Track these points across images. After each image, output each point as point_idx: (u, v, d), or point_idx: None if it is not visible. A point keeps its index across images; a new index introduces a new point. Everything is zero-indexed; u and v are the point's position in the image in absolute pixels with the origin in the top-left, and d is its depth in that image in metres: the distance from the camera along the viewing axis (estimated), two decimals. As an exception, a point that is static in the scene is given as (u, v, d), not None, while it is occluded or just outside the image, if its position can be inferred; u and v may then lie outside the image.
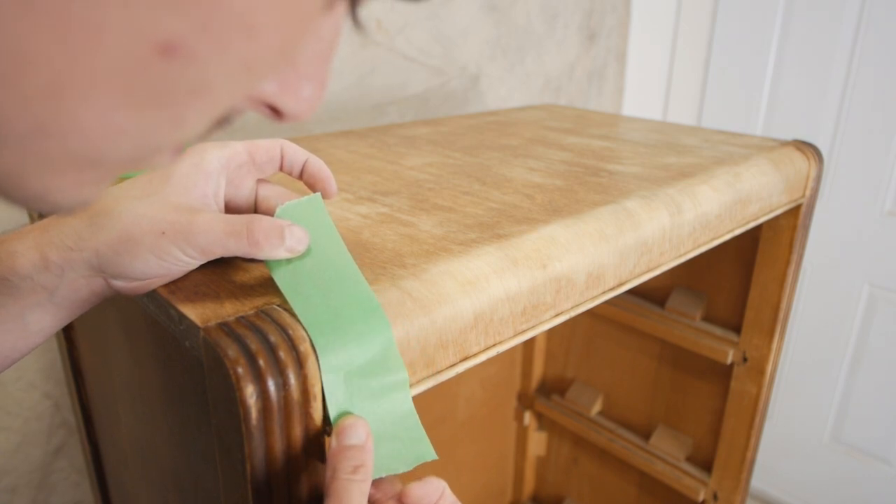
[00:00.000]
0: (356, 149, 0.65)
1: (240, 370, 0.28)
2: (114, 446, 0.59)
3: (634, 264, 0.48)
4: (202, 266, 0.35)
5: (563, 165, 0.60)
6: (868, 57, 1.24)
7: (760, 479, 1.61)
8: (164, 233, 0.32)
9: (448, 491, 0.32)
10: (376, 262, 0.38)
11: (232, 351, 0.28)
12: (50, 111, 0.15)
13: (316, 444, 0.31)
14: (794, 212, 0.68)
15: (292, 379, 0.29)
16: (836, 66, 1.28)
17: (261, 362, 0.28)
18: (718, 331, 0.79)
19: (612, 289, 0.47)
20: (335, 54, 0.21)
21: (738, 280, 0.77)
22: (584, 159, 0.63)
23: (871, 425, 1.41)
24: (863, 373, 1.39)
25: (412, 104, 0.97)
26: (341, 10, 0.19)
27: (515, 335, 0.40)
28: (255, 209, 0.39)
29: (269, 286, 0.35)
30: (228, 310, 0.32)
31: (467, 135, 0.73)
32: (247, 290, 0.34)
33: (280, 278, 0.33)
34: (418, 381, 0.35)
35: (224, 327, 0.30)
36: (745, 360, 0.77)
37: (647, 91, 1.43)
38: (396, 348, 0.32)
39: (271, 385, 0.28)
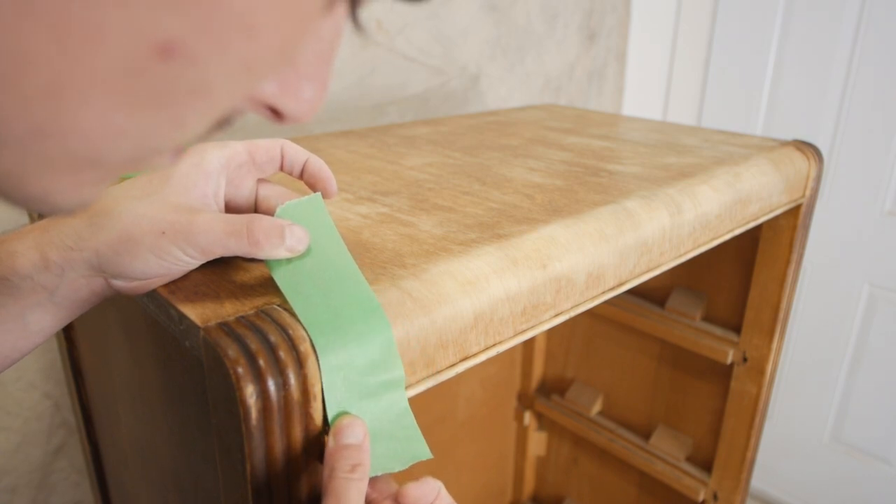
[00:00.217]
0: (356, 149, 0.65)
1: (240, 370, 0.28)
2: (114, 446, 0.59)
3: (634, 264, 0.48)
4: (202, 266, 0.35)
5: (563, 165, 0.60)
6: (868, 57, 1.24)
7: (760, 479, 1.61)
8: (164, 232, 0.32)
9: (444, 491, 0.32)
10: (376, 262, 0.38)
11: (232, 351, 0.28)
12: (50, 112, 0.15)
13: (316, 444, 0.31)
14: (794, 212, 0.68)
15: (292, 379, 0.29)
16: (836, 66, 1.28)
17: (261, 362, 0.28)
18: (718, 331, 0.79)
19: (612, 289, 0.47)
20: (336, 55, 0.21)
21: (738, 280, 0.77)
22: (584, 159, 0.63)
23: (871, 425, 1.41)
24: (863, 373, 1.39)
25: (412, 104, 0.97)
26: (342, 10, 0.19)
27: (515, 335, 0.40)
28: (255, 209, 0.39)
29: (269, 286, 0.35)
30: (228, 310, 0.32)
31: (467, 135, 0.73)
32: (247, 290, 0.35)
33: (280, 278, 0.33)
34: (418, 381, 0.35)
35: (224, 327, 0.30)
36: (745, 360, 0.77)
37: (647, 91, 1.43)
38: (396, 348, 0.32)
39: (271, 385, 0.28)
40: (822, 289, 1.42)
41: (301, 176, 0.39)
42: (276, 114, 0.20)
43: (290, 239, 0.33)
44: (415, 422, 0.33)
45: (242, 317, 0.31)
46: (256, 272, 0.36)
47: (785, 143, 0.70)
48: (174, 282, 0.35)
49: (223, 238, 0.32)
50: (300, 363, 0.29)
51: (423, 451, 0.33)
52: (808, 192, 0.68)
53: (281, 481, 0.31)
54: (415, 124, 0.78)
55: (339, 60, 0.86)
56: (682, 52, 1.43)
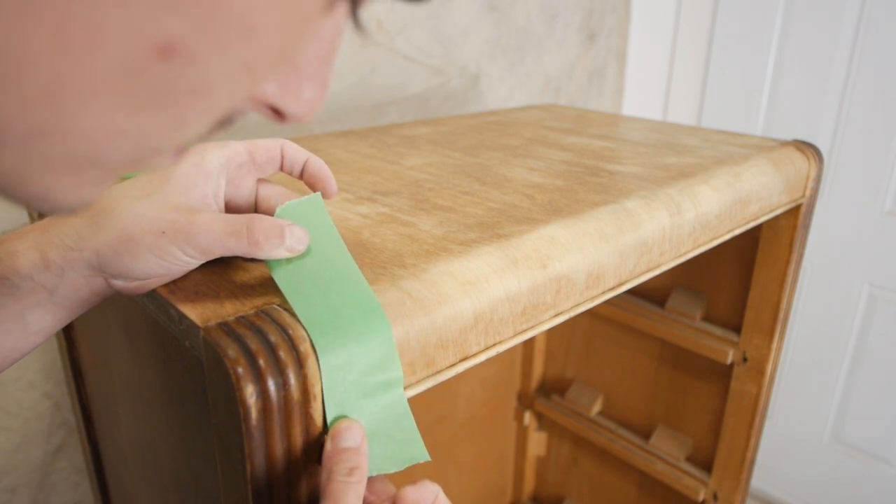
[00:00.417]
0: (356, 149, 0.65)
1: (240, 370, 0.28)
2: (114, 446, 0.59)
3: (634, 264, 0.48)
4: (202, 266, 0.35)
5: (563, 165, 0.60)
6: (868, 57, 1.24)
7: (760, 479, 1.61)
8: (164, 232, 0.32)
9: (442, 495, 0.32)
10: (376, 262, 0.38)
11: (232, 351, 0.28)
12: (50, 112, 0.15)
13: (316, 444, 0.31)
14: (794, 212, 0.68)
15: (292, 379, 0.29)
16: (836, 66, 1.28)
17: (261, 362, 0.28)
18: (718, 331, 0.79)
19: (612, 289, 0.47)
20: (337, 55, 0.21)
21: (738, 280, 0.77)
22: (584, 159, 0.63)
23: (871, 425, 1.41)
24: (863, 373, 1.39)
25: (412, 104, 0.97)
26: (342, 11, 0.19)
27: (515, 335, 0.40)
28: (255, 209, 0.39)
29: (269, 286, 0.35)
30: (228, 310, 0.32)
31: (467, 135, 0.73)
32: (247, 290, 0.35)
33: (280, 278, 0.33)
34: (418, 381, 0.35)
35: (224, 327, 0.30)
36: (745, 360, 0.77)
37: (647, 91, 1.43)
38: (396, 348, 0.32)
39: (271, 385, 0.28)
40: (822, 289, 1.42)
41: (301, 176, 0.39)
42: (276, 114, 0.20)
43: (289, 239, 0.33)
44: (414, 423, 0.33)
45: (242, 317, 0.31)
46: (256, 272, 0.36)
47: (785, 143, 0.70)
48: (174, 282, 0.35)
49: (223, 238, 0.32)
50: (300, 363, 0.29)
51: (421, 454, 0.33)
52: (808, 192, 0.68)
53: (281, 481, 0.31)
54: (415, 124, 0.78)
55: (339, 60, 0.86)
56: (682, 52, 1.43)
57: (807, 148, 0.69)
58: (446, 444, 1.00)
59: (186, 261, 0.33)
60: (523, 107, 0.96)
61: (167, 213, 0.32)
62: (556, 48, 1.18)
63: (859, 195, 1.32)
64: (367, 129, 0.76)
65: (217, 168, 0.36)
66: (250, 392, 0.28)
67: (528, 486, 1.14)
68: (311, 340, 0.30)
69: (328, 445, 0.30)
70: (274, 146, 0.38)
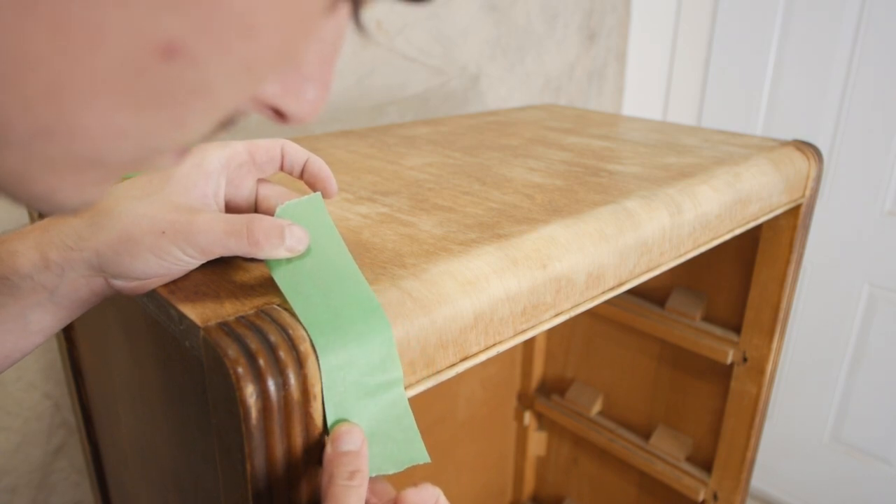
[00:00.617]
0: (356, 149, 0.65)
1: (240, 370, 0.28)
2: (114, 446, 0.59)
3: (634, 264, 0.48)
4: (202, 266, 0.35)
5: (563, 165, 0.60)
6: (868, 57, 1.24)
7: (760, 479, 1.61)
8: (164, 232, 0.32)
9: (443, 498, 0.32)
10: (376, 262, 0.38)
11: (232, 351, 0.28)
12: (51, 113, 0.15)
13: (316, 444, 0.31)
14: (794, 212, 0.68)
15: (292, 379, 0.29)
16: (836, 66, 1.28)
17: (261, 362, 0.28)
18: (718, 331, 0.80)
19: (612, 289, 0.47)
20: (339, 56, 0.21)
21: (738, 280, 0.77)
22: (584, 159, 0.63)
23: (871, 425, 1.41)
24: (863, 373, 1.39)
25: (412, 104, 0.97)
26: (344, 12, 0.19)
27: (515, 335, 0.40)
28: (255, 209, 0.39)
29: (269, 286, 0.35)
30: (228, 309, 0.32)
31: (467, 135, 0.73)
32: (247, 290, 0.35)
33: (280, 278, 0.33)
34: (418, 381, 0.35)
35: (224, 327, 0.30)
36: (745, 360, 0.77)
37: (647, 91, 1.43)
38: (396, 348, 0.32)
39: (271, 385, 0.28)
40: (822, 289, 1.42)
41: (301, 176, 0.39)
42: (278, 114, 0.20)
43: (289, 239, 0.33)
44: (414, 423, 0.33)
45: (242, 317, 0.31)
46: (256, 272, 0.36)
47: (785, 143, 0.70)
48: (174, 282, 0.35)
49: (223, 238, 0.32)
50: (300, 363, 0.29)
51: (421, 455, 0.33)
52: (808, 192, 0.68)
53: (281, 481, 0.31)
54: (415, 124, 0.78)
55: (339, 61, 0.86)
56: (682, 52, 1.43)
57: (807, 148, 0.69)
58: (446, 444, 1.00)
59: (186, 261, 0.33)
60: (523, 107, 0.96)
61: (167, 212, 0.32)
62: (556, 48, 1.18)
63: (859, 195, 1.32)
64: (367, 129, 0.76)
65: (217, 168, 0.36)
66: (250, 392, 0.28)
67: (528, 486, 1.14)
68: (311, 340, 0.30)
69: (328, 449, 0.30)
70: (274, 146, 0.38)
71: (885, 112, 1.25)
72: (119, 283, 0.34)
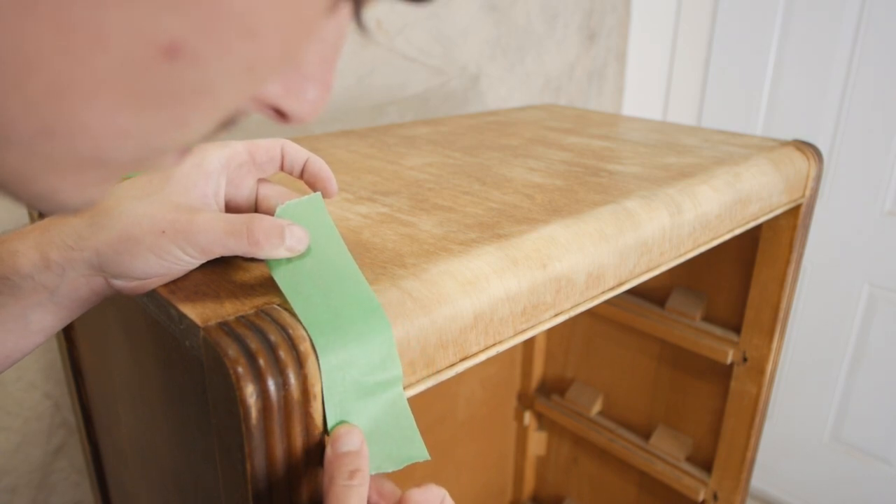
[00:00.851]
0: (356, 149, 0.65)
1: (240, 370, 0.28)
2: (114, 446, 0.59)
3: (634, 264, 0.48)
4: (202, 266, 0.35)
5: (563, 165, 0.60)
6: (868, 57, 1.24)
7: (760, 479, 1.61)
8: (164, 232, 0.32)
9: (448, 499, 0.32)
10: (376, 262, 0.38)
11: (232, 350, 0.28)
12: (53, 113, 0.15)
13: (316, 444, 0.31)
14: (794, 212, 0.68)
15: (292, 379, 0.29)
16: (836, 66, 1.28)
17: (261, 362, 0.28)
18: (718, 331, 0.80)
19: (612, 289, 0.47)
20: (340, 56, 0.21)
21: (738, 280, 0.77)
22: (584, 159, 0.63)
23: (871, 425, 1.41)
24: (863, 373, 1.39)
25: (412, 104, 0.97)
26: (345, 12, 0.19)
27: (515, 335, 0.40)
28: (255, 209, 0.39)
29: (269, 286, 0.35)
30: (228, 309, 0.32)
31: (467, 135, 0.73)
32: (247, 290, 0.35)
33: (280, 278, 0.33)
34: (418, 381, 0.35)
35: (224, 327, 0.30)
36: (745, 360, 0.77)
37: (647, 91, 1.43)
38: (396, 348, 0.32)
39: (271, 385, 0.28)
40: (822, 289, 1.42)
41: (301, 176, 0.39)
42: (279, 114, 0.20)
43: (289, 239, 0.33)
44: (414, 423, 0.33)
45: (242, 316, 0.31)
46: (256, 272, 0.36)
47: (785, 143, 0.70)
48: (174, 282, 0.35)
49: (223, 237, 0.32)
50: (300, 363, 0.29)
51: (421, 453, 0.33)
52: (808, 192, 0.68)
53: (281, 481, 0.31)
54: (415, 124, 0.78)
55: (339, 60, 0.86)
56: (682, 52, 1.43)
57: (807, 148, 0.69)
58: (446, 444, 1.00)
59: (186, 260, 0.33)
60: (523, 107, 0.96)
61: (167, 212, 0.32)
62: (556, 48, 1.18)
63: (859, 195, 1.32)
64: (367, 129, 0.76)
65: (217, 168, 0.36)
66: (250, 392, 0.28)
67: (528, 485, 1.14)
68: (311, 340, 0.30)
69: (328, 451, 0.30)
70: (274, 146, 0.38)
71: (885, 112, 1.25)
72: (119, 283, 0.34)
